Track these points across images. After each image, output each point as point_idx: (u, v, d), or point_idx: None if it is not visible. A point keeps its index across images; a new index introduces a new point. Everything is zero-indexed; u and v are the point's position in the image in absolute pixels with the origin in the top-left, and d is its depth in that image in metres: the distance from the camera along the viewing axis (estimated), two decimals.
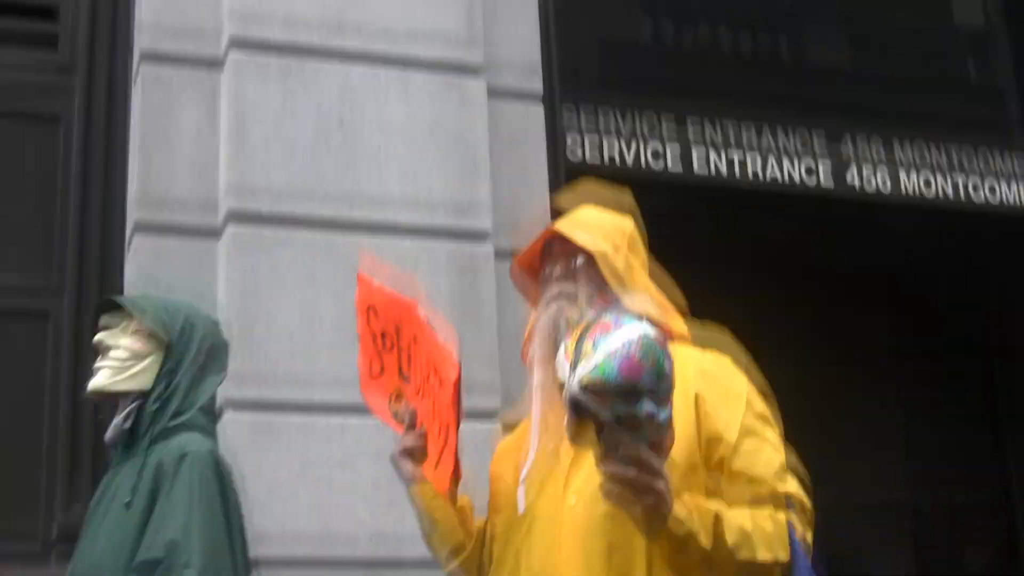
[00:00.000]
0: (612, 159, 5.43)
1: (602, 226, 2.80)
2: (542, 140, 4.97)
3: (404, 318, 2.77)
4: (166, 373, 2.94)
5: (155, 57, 4.53)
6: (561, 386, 2.31)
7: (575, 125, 5.43)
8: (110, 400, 3.00)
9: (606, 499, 2.31)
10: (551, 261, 2.78)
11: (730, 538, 2.44)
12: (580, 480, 2.57)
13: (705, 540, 2.40)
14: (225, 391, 4.13)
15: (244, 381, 4.16)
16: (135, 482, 2.81)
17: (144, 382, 2.94)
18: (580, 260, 2.74)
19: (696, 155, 5.60)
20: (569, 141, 5.36)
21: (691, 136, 5.64)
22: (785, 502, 2.57)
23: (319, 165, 4.48)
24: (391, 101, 4.65)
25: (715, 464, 2.56)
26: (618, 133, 5.48)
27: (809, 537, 2.61)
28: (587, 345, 2.29)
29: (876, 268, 6.73)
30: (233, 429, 4.15)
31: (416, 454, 2.74)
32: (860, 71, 6.40)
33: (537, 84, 5.03)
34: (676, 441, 2.38)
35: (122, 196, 4.51)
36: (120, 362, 2.96)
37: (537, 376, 2.69)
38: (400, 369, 2.80)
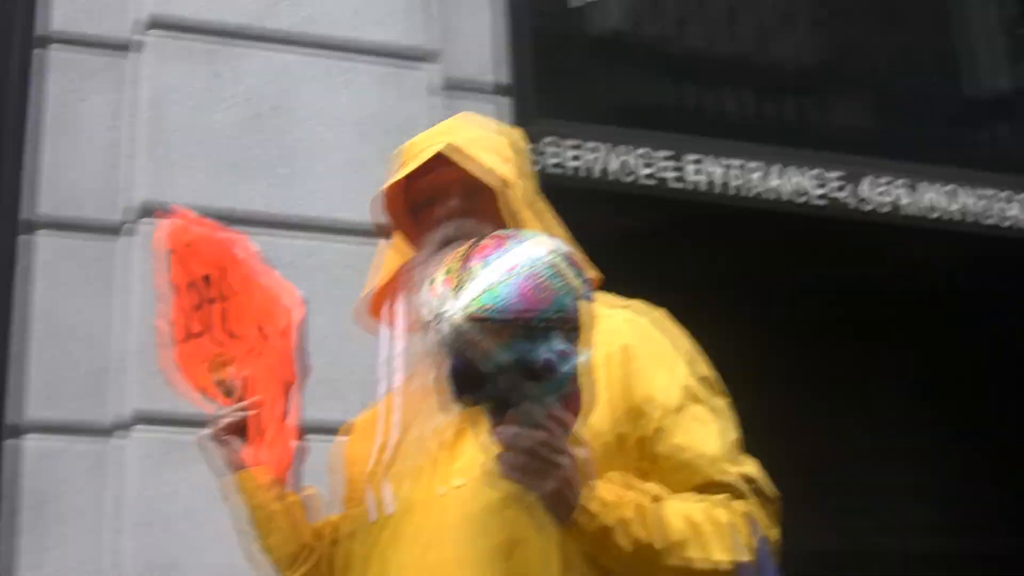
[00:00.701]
0: (589, 168, 4.86)
1: (496, 146, 2.22)
2: None
3: (228, 260, 2.25)
4: None
5: (67, 38, 4.10)
6: (430, 326, 1.72)
7: (550, 127, 4.88)
8: None
9: (503, 476, 1.75)
10: (439, 192, 2.19)
11: (673, 532, 1.86)
12: (466, 458, 1.98)
13: (624, 539, 1.83)
14: (136, 404, 3.67)
15: (155, 393, 3.63)
16: None
17: None
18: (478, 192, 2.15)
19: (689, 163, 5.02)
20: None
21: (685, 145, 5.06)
22: (743, 488, 1.98)
23: (248, 154, 4.01)
24: (333, 87, 4.18)
25: (649, 436, 1.97)
26: (602, 137, 4.90)
27: (774, 535, 2.01)
28: (474, 265, 1.72)
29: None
30: (144, 446, 3.67)
31: (238, 433, 2.21)
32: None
33: (501, 77, 4.55)
34: (597, 405, 1.84)
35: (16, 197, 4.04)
36: None
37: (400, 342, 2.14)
38: (224, 325, 2.27)
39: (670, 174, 4.79)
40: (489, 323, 1.65)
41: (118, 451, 3.70)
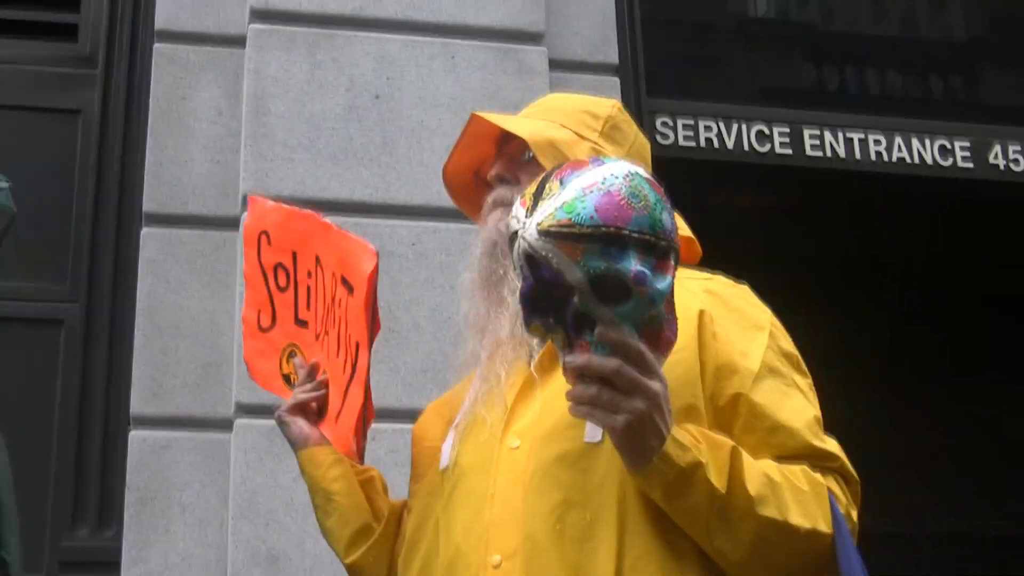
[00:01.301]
0: (710, 141, 4.74)
1: (562, 109, 2.12)
2: None
3: (302, 237, 2.21)
4: None
5: (171, 36, 4.13)
6: (511, 240, 1.64)
7: (664, 105, 4.78)
8: None
9: (572, 413, 1.64)
10: (493, 167, 2.12)
11: (751, 486, 1.73)
12: (528, 417, 1.90)
13: (701, 486, 1.70)
14: (239, 397, 3.67)
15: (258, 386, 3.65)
16: None
17: None
18: (528, 155, 2.06)
19: (808, 136, 4.86)
20: (658, 123, 4.73)
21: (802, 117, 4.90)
22: (825, 464, 1.85)
23: (351, 144, 3.99)
24: (435, 73, 4.14)
25: (726, 403, 1.85)
26: (716, 114, 4.78)
27: (855, 515, 1.87)
28: (552, 184, 1.64)
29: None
30: (248, 439, 3.67)
31: (310, 410, 2.16)
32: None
33: (611, 55, 4.45)
34: (671, 368, 1.70)
35: (139, 192, 4.09)
36: None
37: (472, 310, 2.04)
38: (296, 314, 2.23)
39: (787, 150, 4.65)
40: (563, 238, 1.57)
41: (222, 445, 3.72)
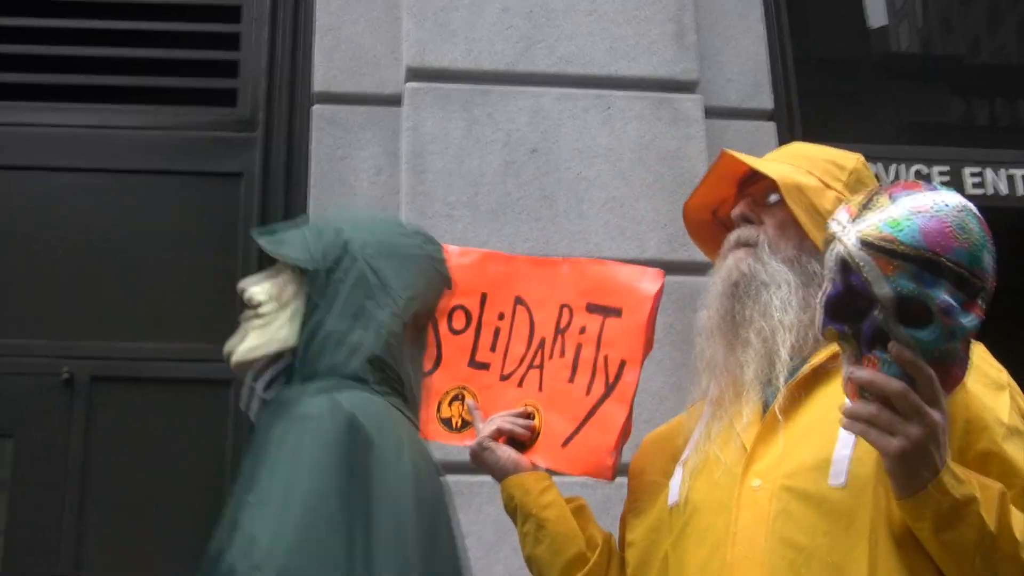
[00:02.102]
0: None
1: (809, 156, 2.13)
2: None
3: (499, 279, 2.23)
4: (311, 313, 1.97)
5: (330, 97, 4.19)
6: (826, 243, 1.66)
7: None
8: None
9: (846, 428, 1.64)
10: (736, 209, 2.14)
11: (1018, 530, 1.71)
12: (770, 458, 1.89)
13: (972, 520, 1.67)
14: None
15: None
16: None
17: (287, 337, 1.99)
18: (773, 198, 2.08)
19: (968, 173, 4.75)
20: None
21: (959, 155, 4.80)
22: None
23: (509, 199, 4.01)
24: (590, 125, 4.14)
25: (975, 456, 1.82)
26: (873, 155, 4.69)
27: None
28: (881, 198, 1.65)
29: None
30: None
31: (518, 439, 2.16)
32: None
33: (766, 100, 4.42)
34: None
35: None
36: (261, 319, 2.04)
37: (708, 350, 2.05)
38: (473, 356, 2.24)
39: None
40: (881, 252, 1.58)
41: None
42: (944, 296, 1.58)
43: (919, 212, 1.60)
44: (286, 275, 2.03)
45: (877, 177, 2.34)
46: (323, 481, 1.75)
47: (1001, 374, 1.95)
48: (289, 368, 1.97)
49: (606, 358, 2.18)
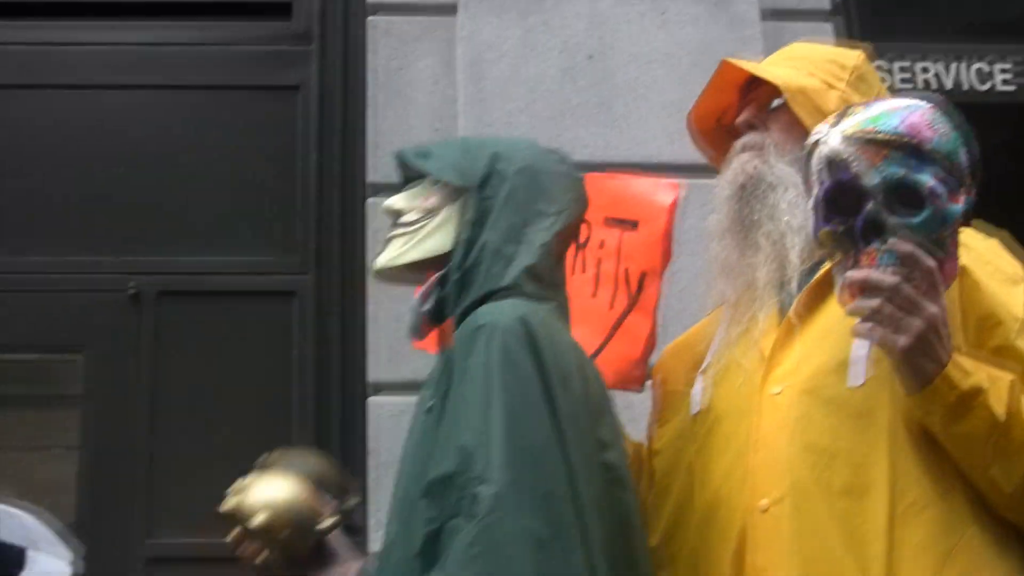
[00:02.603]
0: (927, 83, 4.60)
1: (810, 57, 2.12)
2: None
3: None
4: (467, 228, 2.02)
5: (385, 7, 4.18)
6: (809, 153, 1.72)
7: (879, 48, 4.65)
8: (406, 282, 2.14)
9: (853, 331, 1.67)
10: (741, 115, 2.13)
11: None
12: (789, 363, 1.89)
13: (982, 413, 1.70)
14: None
15: None
16: (435, 378, 1.98)
17: (438, 245, 2.05)
18: (777, 102, 2.08)
19: None
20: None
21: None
22: None
23: (567, 105, 4.00)
24: (647, 29, 4.11)
25: (989, 353, 1.82)
26: (932, 54, 4.64)
27: None
28: (856, 108, 1.71)
29: None
30: None
31: None
32: None
33: (823, 1, 4.36)
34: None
35: (362, 163, 4.16)
36: (408, 228, 2.08)
37: (721, 253, 2.05)
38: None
39: (1009, 87, 4.50)
40: (866, 143, 1.63)
41: None
42: (932, 181, 1.62)
43: (895, 110, 1.66)
44: (430, 190, 2.08)
45: (890, 74, 2.31)
46: (516, 386, 1.80)
47: (1017, 268, 1.94)
48: (443, 280, 2.02)
49: (627, 271, 2.22)
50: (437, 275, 2.02)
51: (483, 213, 2.00)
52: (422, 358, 3.77)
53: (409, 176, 2.15)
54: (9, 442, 4.45)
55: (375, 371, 3.87)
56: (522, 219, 2.00)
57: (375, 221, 3.96)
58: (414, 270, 2.06)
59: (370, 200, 4.01)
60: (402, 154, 2.15)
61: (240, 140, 4.33)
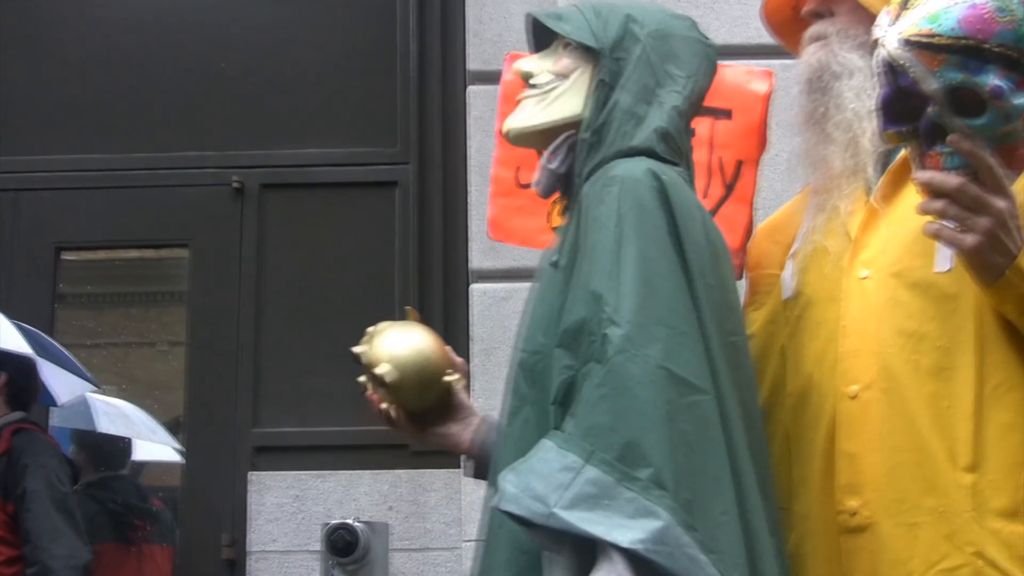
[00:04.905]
0: None
1: None
2: None
3: None
4: (598, 89, 1.99)
5: None
6: (872, 47, 1.69)
7: None
8: (537, 147, 2.10)
9: (924, 230, 1.66)
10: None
11: None
12: (875, 247, 1.88)
13: None
14: None
15: None
16: (563, 235, 2.00)
17: (570, 107, 2.02)
18: None
19: None
20: None
21: None
22: None
23: None
24: None
25: None
26: None
27: None
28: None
29: None
30: None
31: None
32: None
33: None
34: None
35: (463, 50, 4.15)
36: (538, 90, 2.06)
37: (803, 144, 2.03)
38: None
39: None
40: (923, 48, 1.60)
41: None
42: (994, 80, 1.59)
43: (956, 2, 1.60)
44: (561, 53, 2.04)
45: None
46: (647, 233, 1.79)
47: None
48: (574, 141, 2.00)
49: (721, 160, 2.19)
50: (567, 134, 2.00)
51: (615, 74, 1.96)
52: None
53: (539, 43, 2.14)
54: (117, 338, 4.55)
55: (477, 259, 3.87)
56: (655, 81, 1.96)
57: (475, 109, 3.95)
58: (546, 137, 2.05)
59: (471, 88, 4.00)
60: (536, 17, 2.13)
61: (340, 33, 4.35)
